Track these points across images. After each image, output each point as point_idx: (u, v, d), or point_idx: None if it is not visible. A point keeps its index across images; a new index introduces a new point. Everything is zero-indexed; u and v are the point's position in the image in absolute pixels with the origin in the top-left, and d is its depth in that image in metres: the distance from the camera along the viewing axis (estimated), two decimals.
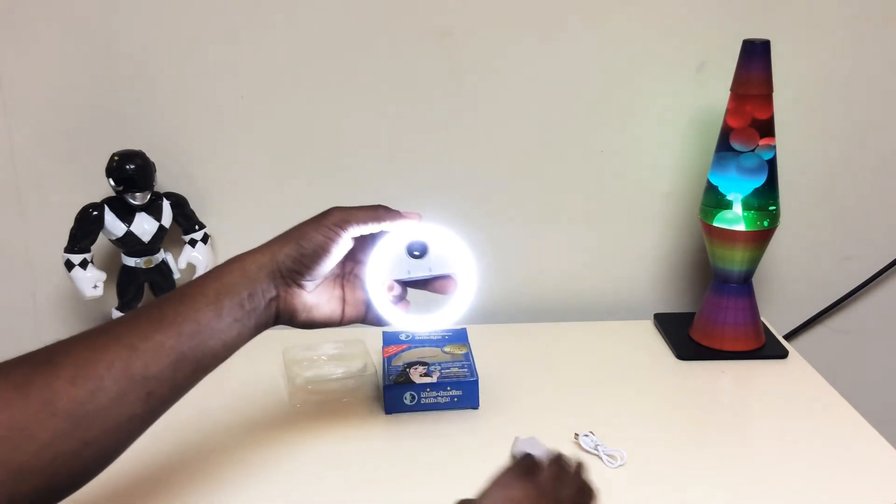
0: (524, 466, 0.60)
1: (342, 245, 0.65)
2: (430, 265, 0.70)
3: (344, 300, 0.70)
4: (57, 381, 0.51)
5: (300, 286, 0.65)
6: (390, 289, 0.70)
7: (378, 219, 0.67)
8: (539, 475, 0.60)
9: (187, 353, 0.58)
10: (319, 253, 0.64)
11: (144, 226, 0.96)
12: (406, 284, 0.72)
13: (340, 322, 0.70)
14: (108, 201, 0.95)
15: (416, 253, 0.70)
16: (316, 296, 0.67)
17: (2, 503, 0.48)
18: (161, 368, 0.56)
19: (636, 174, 1.06)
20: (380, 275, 0.69)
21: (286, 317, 0.66)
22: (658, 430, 0.83)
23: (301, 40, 0.99)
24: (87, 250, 0.95)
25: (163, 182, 1.00)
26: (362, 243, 0.70)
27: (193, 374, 0.59)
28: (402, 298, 0.72)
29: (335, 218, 0.65)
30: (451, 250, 0.70)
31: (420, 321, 0.72)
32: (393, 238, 0.69)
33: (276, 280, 0.64)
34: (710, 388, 0.93)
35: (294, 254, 0.64)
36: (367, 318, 0.71)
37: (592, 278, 1.11)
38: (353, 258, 0.70)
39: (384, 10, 0.98)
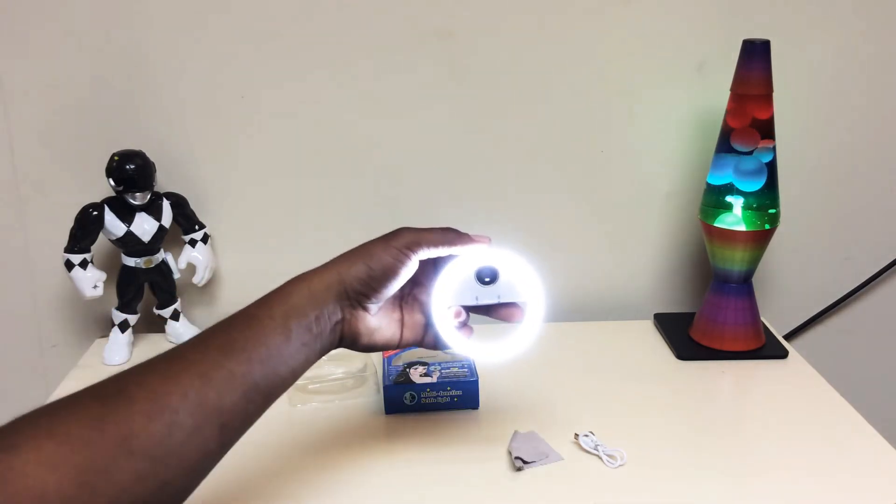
0: None
1: (410, 267, 0.64)
2: (500, 292, 0.68)
3: (402, 323, 0.68)
4: (134, 417, 0.49)
5: (365, 309, 0.64)
6: (457, 315, 0.68)
7: (449, 242, 0.65)
8: None
9: (259, 382, 0.56)
10: (388, 275, 0.63)
11: (144, 226, 0.96)
12: (471, 310, 0.70)
13: (398, 345, 0.68)
14: (108, 201, 0.95)
15: (487, 279, 0.68)
16: (378, 319, 0.66)
17: None
18: (234, 399, 0.54)
19: (636, 174, 1.06)
20: (447, 299, 0.67)
21: (349, 340, 0.64)
22: (658, 430, 0.83)
23: (301, 40, 0.99)
24: (87, 250, 0.95)
25: (163, 182, 1.00)
26: (425, 265, 0.68)
27: (263, 402, 0.57)
28: (465, 324, 0.70)
29: (406, 240, 0.64)
30: (521, 278, 0.68)
31: (483, 349, 0.69)
32: (463, 262, 0.67)
33: (342, 302, 0.62)
34: (710, 388, 0.93)
35: (363, 276, 0.62)
36: (425, 341, 0.69)
37: (592, 278, 1.11)
38: (414, 280, 0.68)
39: (385, 10, 0.98)
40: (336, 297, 0.61)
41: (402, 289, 0.68)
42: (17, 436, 0.46)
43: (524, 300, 0.69)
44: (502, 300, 0.68)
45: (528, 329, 0.69)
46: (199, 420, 0.51)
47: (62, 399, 0.49)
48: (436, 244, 0.65)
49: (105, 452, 0.47)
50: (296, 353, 0.59)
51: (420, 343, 0.70)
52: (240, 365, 0.55)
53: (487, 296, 0.68)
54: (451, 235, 0.66)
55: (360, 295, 0.63)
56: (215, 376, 0.53)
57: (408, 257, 0.63)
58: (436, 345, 0.70)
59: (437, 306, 0.67)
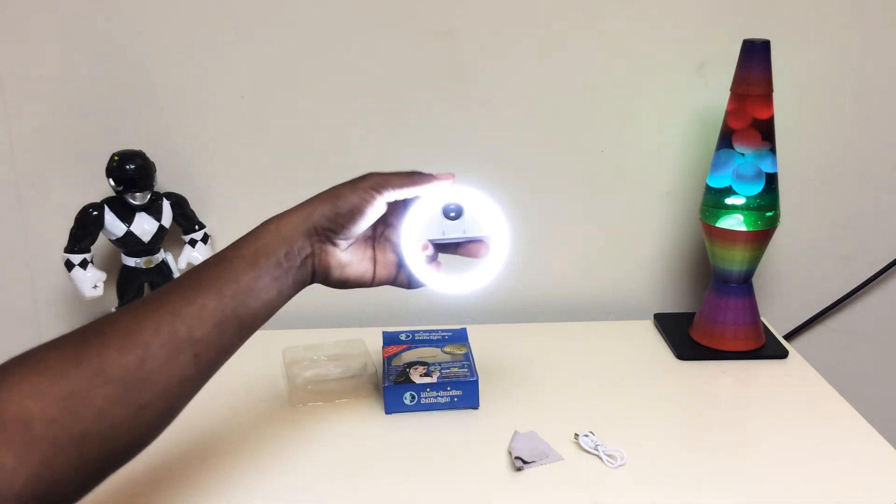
0: None
1: (377, 207, 0.67)
2: (465, 227, 0.71)
3: (375, 261, 0.71)
4: (107, 351, 0.54)
5: (334, 244, 0.67)
6: (424, 248, 0.71)
7: (414, 183, 0.69)
8: None
9: (230, 315, 0.59)
10: (354, 213, 0.66)
11: (144, 226, 0.96)
12: (438, 248, 0.72)
13: (372, 282, 0.71)
14: (108, 201, 0.95)
15: (452, 214, 0.70)
16: (349, 254, 0.69)
17: (71, 467, 0.51)
18: (206, 331, 0.58)
19: (636, 174, 1.06)
20: (414, 234, 0.70)
21: (321, 274, 0.67)
22: (658, 430, 0.83)
23: (301, 40, 0.99)
24: (87, 250, 0.95)
25: (163, 182, 1.00)
26: (394, 207, 0.71)
27: (238, 334, 0.61)
28: (434, 259, 0.73)
29: (372, 181, 0.67)
30: (486, 213, 0.71)
31: (451, 281, 0.72)
32: (430, 199, 0.70)
33: (311, 238, 0.65)
34: (710, 388, 0.93)
35: (329, 213, 0.65)
36: (398, 279, 0.72)
37: (592, 278, 1.11)
38: (385, 221, 0.72)
39: (385, 10, 0.98)
40: (304, 234, 0.65)
41: (374, 229, 0.71)
42: (3, 372, 0.51)
43: (489, 234, 0.72)
44: (468, 234, 0.71)
45: (493, 261, 0.72)
46: (170, 350, 0.56)
47: (46, 342, 0.54)
48: (401, 185, 0.68)
49: (82, 382, 0.52)
50: (267, 287, 0.62)
51: (393, 281, 0.72)
52: (209, 300, 0.59)
53: (454, 230, 0.71)
54: (416, 177, 0.69)
55: (327, 231, 0.66)
56: (185, 311, 0.57)
57: (373, 197, 0.66)
58: (409, 283, 0.73)
59: (405, 240, 0.70)
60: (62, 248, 0.95)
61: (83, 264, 0.94)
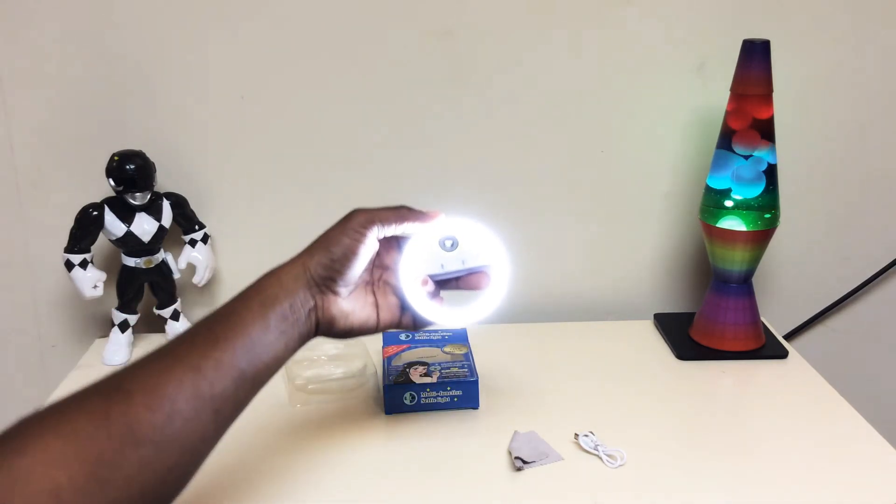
0: None
1: (369, 246, 0.66)
2: (464, 257, 0.70)
3: (377, 305, 0.70)
4: (134, 408, 0.52)
5: (335, 293, 0.66)
6: (424, 283, 0.71)
7: (402, 218, 0.68)
8: None
9: (245, 369, 0.59)
10: (349, 256, 0.65)
11: (144, 226, 0.96)
12: (439, 284, 0.72)
13: (377, 328, 0.71)
14: (108, 201, 0.95)
15: (449, 244, 0.70)
16: (351, 302, 0.68)
17: None
18: (224, 386, 0.57)
19: (636, 174, 1.06)
20: (413, 270, 0.69)
21: (325, 325, 0.67)
22: (658, 430, 0.83)
23: (301, 40, 0.99)
24: (87, 250, 0.95)
25: (163, 182, 1.00)
26: (388, 249, 0.71)
27: (252, 389, 0.60)
28: (436, 295, 0.72)
29: (360, 219, 0.66)
30: (483, 243, 0.70)
31: (456, 315, 0.71)
32: (426, 234, 0.69)
33: (312, 289, 0.65)
34: (710, 388, 0.93)
35: (325, 261, 0.65)
36: (403, 321, 0.72)
37: (592, 278, 1.11)
38: (381, 265, 0.71)
39: (385, 10, 0.98)
40: (305, 286, 0.65)
41: (372, 274, 0.71)
42: (24, 438, 0.48)
43: (488, 264, 0.71)
44: (467, 265, 0.71)
45: (496, 290, 0.71)
46: (195, 407, 0.55)
47: (64, 398, 0.52)
48: (389, 221, 0.67)
49: (112, 444, 0.50)
50: (276, 340, 0.62)
51: (398, 324, 0.72)
52: (226, 354, 0.58)
53: (452, 262, 0.70)
54: (403, 212, 0.68)
55: (326, 280, 0.66)
56: (205, 366, 0.56)
57: (364, 236, 0.66)
58: (414, 324, 0.72)
59: (404, 278, 0.69)
60: (62, 248, 0.94)
61: (83, 264, 0.94)
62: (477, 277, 0.72)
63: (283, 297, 0.63)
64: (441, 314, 0.71)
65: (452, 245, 0.70)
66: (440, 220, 0.70)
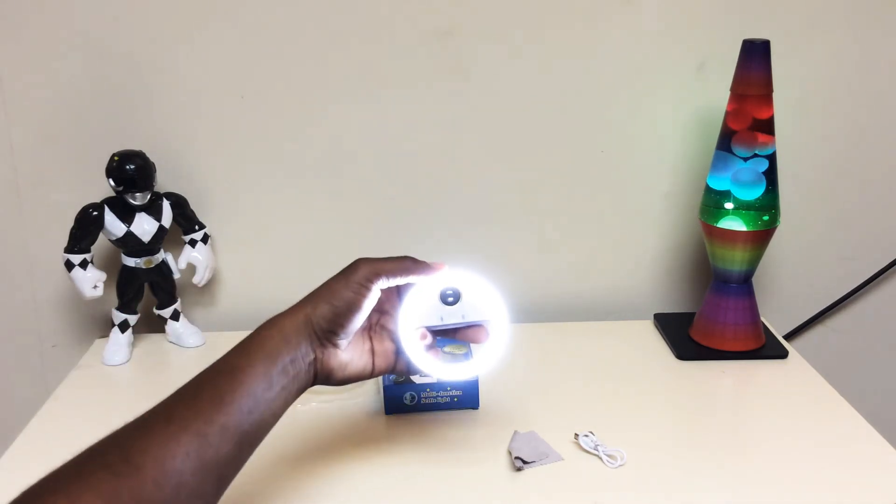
0: None
1: (372, 299, 0.66)
2: (464, 311, 0.69)
3: (373, 352, 0.70)
4: (146, 486, 0.51)
5: (335, 346, 0.66)
6: (423, 337, 0.70)
7: (406, 271, 0.67)
8: None
9: (247, 430, 0.58)
10: (352, 309, 0.65)
11: (144, 226, 0.96)
12: (437, 333, 0.71)
13: (371, 374, 0.70)
14: (108, 201, 0.95)
15: (450, 299, 0.69)
16: (349, 353, 0.67)
17: None
18: (228, 450, 0.57)
19: (636, 174, 1.06)
20: (412, 322, 0.68)
21: (323, 377, 0.66)
22: (658, 430, 0.83)
23: (301, 40, 0.99)
24: (87, 250, 0.95)
25: (163, 182, 1.00)
26: (389, 295, 0.70)
27: (251, 448, 0.60)
28: (433, 346, 0.71)
29: (364, 272, 0.65)
30: (484, 297, 0.69)
31: (451, 370, 0.71)
32: (426, 285, 0.68)
33: (313, 343, 0.64)
34: (710, 388, 0.93)
35: (328, 314, 0.64)
36: (397, 367, 0.71)
37: (592, 278, 1.11)
38: (380, 309, 0.70)
39: (385, 9, 0.98)
40: (307, 339, 0.64)
41: (369, 319, 0.70)
42: None
43: (488, 319, 0.70)
44: (466, 319, 0.69)
45: (494, 346, 0.70)
46: (201, 477, 0.54)
47: (70, 469, 0.51)
48: (394, 273, 0.67)
49: None
50: (276, 397, 0.61)
51: (393, 370, 0.71)
52: (230, 417, 0.57)
53: (452, 316, 0.69)
54: (407, 263, 0.67)
55: (328, 333, 0.65)
56: (210, 432, 0.56)
57: (368, 290, 0.65)
58: (408, 370, 0.71)
59: (403, 329, 0.68)
60: (62, 248, 0.94)
61: (83, 264, 0.94)
62: (475, 331, 0.71)
63: (285, 352, 0.62)
64: (437, 368, 0.70)
65: (454, 299, 0.69)
66: (443, 273, 0.68)
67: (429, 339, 0.70)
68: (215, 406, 0.57)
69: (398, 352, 0.70)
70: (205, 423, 0.56)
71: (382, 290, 0.68)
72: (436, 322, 0.69)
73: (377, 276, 0.65)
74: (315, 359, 0.65)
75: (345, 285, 0.65)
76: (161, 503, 0.51)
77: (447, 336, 0.72)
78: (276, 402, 0.61)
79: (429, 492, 0.74)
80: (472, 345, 0.72)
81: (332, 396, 0.88)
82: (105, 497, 0.49)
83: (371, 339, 0.70)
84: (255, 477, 0.76)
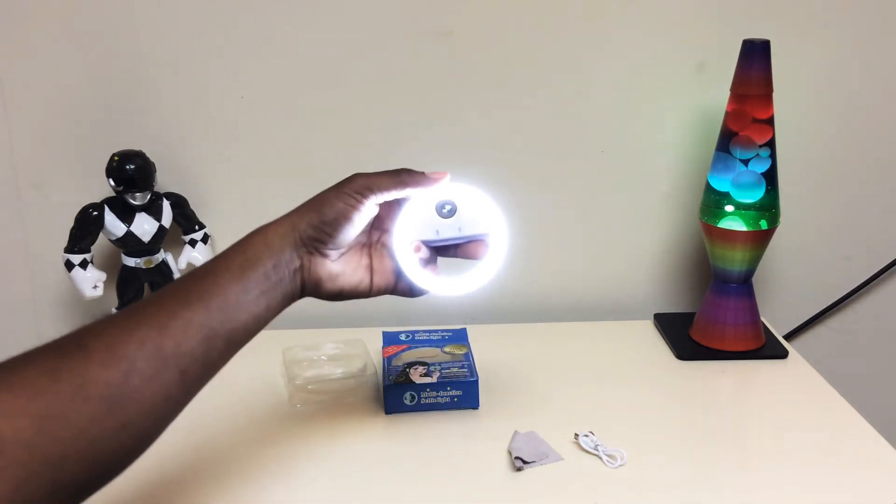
0: None
1: (364, 213, 0.65)
2: (461, 224, 0.67)
3: (372, 269, 0.68)
4: (88, 365, 0.51)
5: (323, 255, 0.65)
6: (417, 249, 0.68)
7: (402, 184, 0.66)
8: None
9: (217, 329, 0.57)
10: (341, 221, 0.64)
11: (144, 226, 0.96)
12: (437, 251, 0.69)
13: (370, 292, 0.68)
14: (108, 201, 0.95)
15: (446, 212, 0.67)
16: (341, 264, 0.66)
17: (45, 492, 0.47)
18: (192, 346, 0.55)
19: (636, 174, 1.06)
20: (408, 235, 0.67)
21: (311, 287, 0.65)
22: (658, 430, 0.83)
23: (301, 40, 0.99)
24: (87, 250, 0.95)
25: (163, 182, 1.00)
26: (389, 211, 0.68)
27: (226, 349, 0.59)
28: (430, 262, 0.70)
29: (357, 185, 0.64)
30: (482, 210, 0.68)
31: (450, 283, 0.68)
32: (423, 198, 0.67)
33: (299, 250, 0.63)
34: (710, 388, 0.93)
35: (315, 222, 0.63)
36: (398, 287, 0.69)
37: (592, 278, 1.11)
38: (381, 227, 0.69)
39: (385, 10, 0.98)
40: (292, 246, 0.63)
41: (370, 235, 0.69)
42: None
43: (486, 232, 0.68)
44: (464, 232, 0.68)
45: (493, 259, 0.68)
46: (156, 366, 0.53)
47: (21, 354, 0.51)
48: (389, 187, 0.65)
49: (60, 399, 0.49)
50: (255, 300, 0.60)
51: (393, 290, 0.70)
52: (197, 314, 0.56)
53: (448, 229, 0.67)
54: (403, 176, 0.66)
55: (314, 241, 0.64)
56: (172, 325, 0.55)
57: (359, 202, 0.64)
58: (410, 291, 0.70)
59: (398, 243, 0.67)
60: (62, 248, 0.95)
61: (83, 264, 0.94)
62: (474, 246, 0.69)
63: (266, 257, 0.61)
64: (434, 282, 0.68)
65: (450, 211, 0.67)
66: (442, 185, 0.67)
67: (424, 251, 0.68)
68: (181, 302, 0.56)
69: (399, 272, 0.69)
70: (168, 316, 0.55)
71: (382, 207, 0.67)
72: (432, 235, 0.67)
73: (370, 190, 0.64)
74: (301, 266, 0.63)
75: (336, 195, 0.64)
76: (108, 382, 0.51)
77: (447, 254, 0.70)
78: (256, 305, 0.60)
79: (428, 491, 0.74)
80: (470, 261, 0.70)
81: (332, 396, 0.88)
82: (46, 371, 0.49)
83: (370, 256, 0.69)
84: (254, 476, 0.76)
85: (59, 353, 0.51)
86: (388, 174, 0.66)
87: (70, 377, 0.50)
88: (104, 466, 0.51)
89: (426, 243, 0.68)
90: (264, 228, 0.64)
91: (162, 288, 0.59)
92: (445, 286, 0.69)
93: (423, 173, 0.67)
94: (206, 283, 0.58)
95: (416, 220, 0.67)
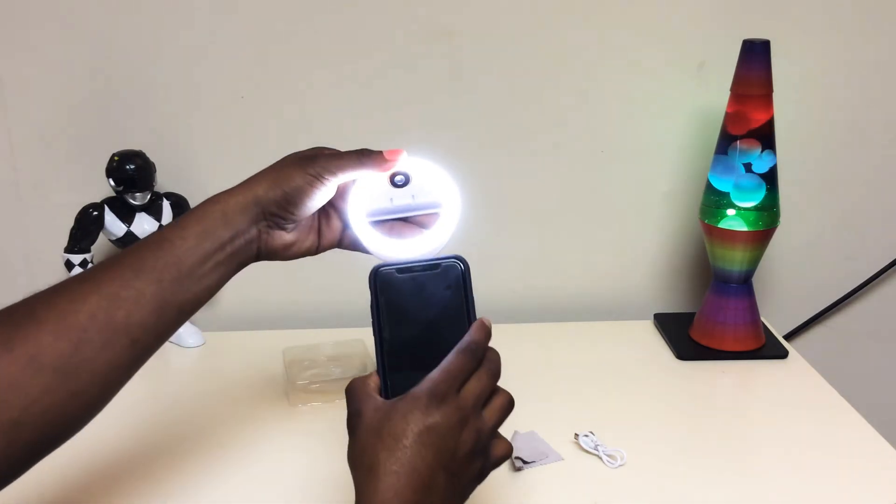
0: (446, 383, 0.56)
1: (325, 192, 0.65)
2: (413, 193, 0.68)
3: (320, 231, 0.69)
4: (40, 336, 0.52)
5: (282, 228, 0.65)
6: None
7: (363, 165, 0.66)
8: (459, 397, 0.57)
9: (169, 300, 0.57)
10: (303, 197, 0.64)
11: (144, 226, 0.96)
12: (388, 218, 0.69)
13: (317, 251, 0.69)
14: (109, 201, 0.95)
15: (400, 182, 0.68)
16: (296, 234, 0.66)
17: None
18: (144, 316, 0.56)
19: (636, 174, 1.06)
20: (362, 205, 0.67)
21: (266, 255, 0.65)
22: (658, 430, 0.83)
23: (301, 40, 0.99)
24: (87, 250, 0.95)
25: (163, 182, 1.00)
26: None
27: (177, 319, 0.59)
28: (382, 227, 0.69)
29: (321, 165, 0.64)
30: (435, 180, 0.68)
31: (397, 245, 0.68)
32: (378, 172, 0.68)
33: (258, 223, 0.63)
34: (710, 388, 0.93)
35: (278, 198, 0.63)
36: (342, 243, 0.70)
37: (592, 279, 1.11)
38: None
39: (385, 10, 0.98)
40: (251, 219, 0.62)
41: None
42: None
43: (439, 202, 0.68)
44: (417, 201, 0.68)
45: (443, 226, 0.68)
46: (107, 336, 0.54)
47: None
48: (352, 167, 0.66)
49: (13, 368, 0.51)
50: (210, 271, 0.60)
51: (339, 245, 0.70)
52: (149, 284, 0.56)
53: (402, 197, 0.68)
54: (365, 157, 0.67)
55: (276, 217, 0.64)
56: (124, 296, 0.55)
57: (323, 184, 0.64)
58: (354, 245, 0.69)
59: (353, 210, 0.67)
60: (62, 248, 0.95)
61: (83, 264, 0.94)
62: (427, 218, 0.69)
63: (223, 230, 0.61)
64: (383, 244, 0.67)
65: (404, 181, 0.68)
66: (400, 161, 0.67)
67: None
68: (135, 272, 0.56)
69: (344, 227, 0.69)
70: (120, 286, 0.55)
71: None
72: (385, 204, 0.68)
73: (333, 171, 0.64)
74: (258, 237, 0.63)
75: (301, 174, 0.64)
76: (59, 353, 0.52)
77: (401, 230, 0.69)
78: (210, 277, 0.60)
79: None
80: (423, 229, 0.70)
81: (332, 396, 0.88)
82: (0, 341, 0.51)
83: (319, 217, 0.69)
84: (254, 476, 0.76)
85: (11, 322, 0.52)
86: (350, 155, 0.66)
87: (23, 347, 0.51)
88: (54, 432, 0.53)
89: (380, 212, 0.68)
90: (223, 198, 0.62)
91: (117, 253, 0.60)
92: (394, 248, 0.68)
93: (380, 153, 0.68)
94: (161, 252, 0.58)
95: (370, 188, 0.68)
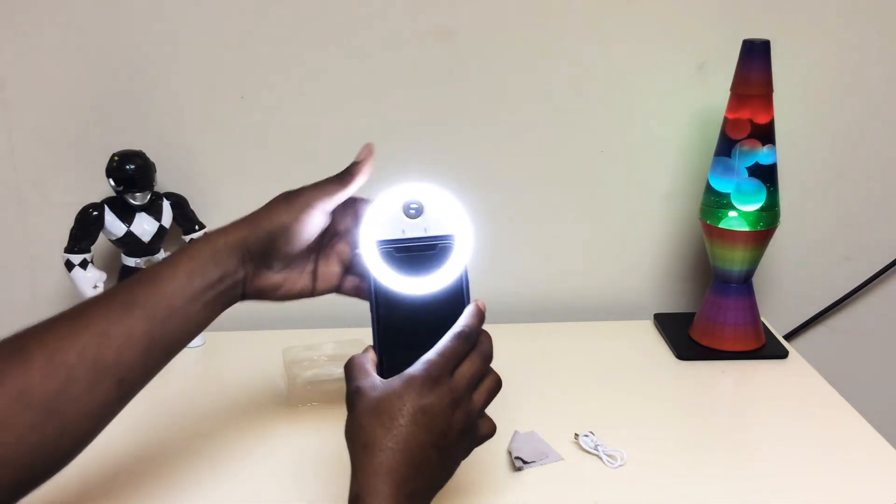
0: (439, 367, 0.58)
1: (313, 225, 0.65)
2: (426, 225, 0.67)
3: (316, 274, 0.68)
4: (30, 373, 0.52)
5: (268, 267, 0.65)
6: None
7: (345, 184, 0.66)
8: (452, 380, 0.58)
9: (157, 339, 0.58)
10: (290, 235, 0.64)
11: (144, 226, 0.96)
12: (400, 251, 0.68)
13: (312, 295, 0.69)
14: (109, 201, 0.95)
15: (413, 211, 0.67)
16: (284, 274, 0.66)
17: None
18: (132, 356, 0.56)
19: (636, 174, 1.06)
20: (372, 235, 0.66)
21: (254, 296, 0.65)
22: (658, 430, 0.83)
23: (302, 40, 0.99)
24: (88, 250, 0.95)
25: (163, 182, 1.00)
26: (344, 216, 0.69)
27: (163, 358, 0.59)
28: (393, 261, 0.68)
29: (305, 196, 0.65)
30: (448, 211, 0.67)
31: (410, 282, 0.66)
32: (389, 197, 0.67)
33: (245, 263, 0.63)
34: (710, 388, 0.93)
35: (264, 236, 0.63)
36: (342, 288, 0.69)
37: (592, 278, 1.11)
38: (334, 231, 0.69)
39: (385, 10, 0.98)
40: (239, 260, 0.62)
41: (321, 240, 0.68)
42: None
43: (452, 234, 0.67)
44: (429, 233, 0.67)
45: (457, 260, 0.67)
46: (95, 376, 0.54)
47: None
48: (333, 192, 0.65)
49: (3, 404, 0.51)
50: (198, 311, 0.60)
51: (338, 290, 0.69)
52: (140, 323, 0.57)
53: (414, 229, 0.67)
54: (345, 177, 0.67)
55: (262, 256, 0.64)
56: (113, 334, 0.55)
57: (308, 215, 0.64)
58: (356, 292, 0.69)
59: (363, 242, 0.66)
60: (62, 248, 0.94)
61: (83, 264, 0.94)
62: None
63: (213, 269, 0.61)
64: (394, 279, 0.66)
65: (416, 211, 0.67)
66: (410, 184, 0.66)
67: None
68: (126, 309, 0.56)
69: (344, 273, 0.69)
70: (111, 323, 0.55)
71: (338, 212, 0.67)
72: (397, 235, 0.66)
73: (317, 199, 0.64)
74: (245, 279, 0.63)
75: (286, 210, 0.64)
76: (47, 392, 0.52)
77: (411, 253, 0.68)
78: (199, 317, 0.60)
79: None
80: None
81: (332, 396, 0.88)
82: None
83: (316, 260, 0.68)
84: (254, 476, 0.76)
85: (1, 357, 0.52)
86: (332, 179, 0.66)
87: (13, 383, 0.51)
88: (41, 469, 0.53)
89: (391, 243, 0.67)
90: (213, 237, 0.63)
91: (111, 287, 0.60)
92: (406, 284, 0.67)
93: (354, 163, 0.67)
94: (152, 288, 0.58)
95: (381, 218, 0.66)
